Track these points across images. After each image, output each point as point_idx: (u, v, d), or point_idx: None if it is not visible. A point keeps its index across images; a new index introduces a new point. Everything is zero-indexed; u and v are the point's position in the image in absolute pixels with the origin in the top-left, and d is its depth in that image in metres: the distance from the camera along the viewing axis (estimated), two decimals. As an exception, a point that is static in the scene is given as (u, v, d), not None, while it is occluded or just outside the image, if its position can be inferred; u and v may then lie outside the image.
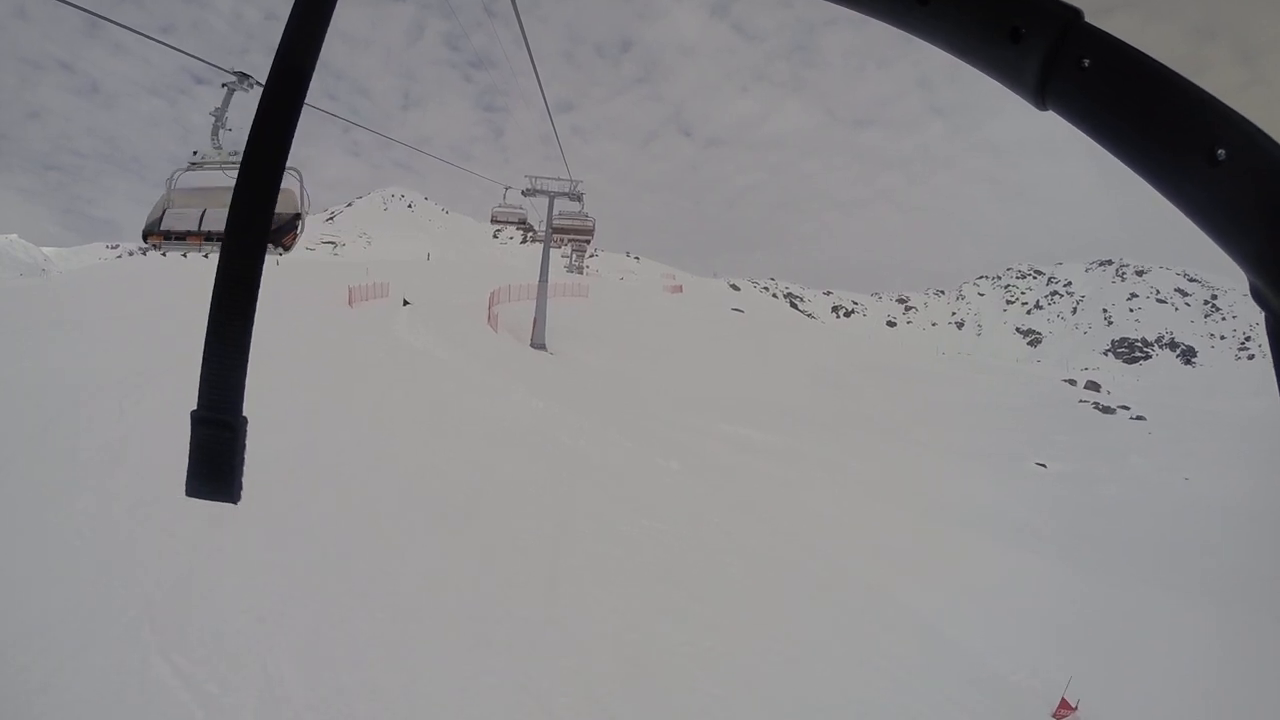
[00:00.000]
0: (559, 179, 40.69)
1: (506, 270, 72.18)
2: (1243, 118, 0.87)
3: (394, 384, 20.40)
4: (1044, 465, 30.89)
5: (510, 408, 19.95)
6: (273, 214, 1.31)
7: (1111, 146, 0.97)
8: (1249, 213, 0.86)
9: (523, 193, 40.47)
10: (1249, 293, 0.91)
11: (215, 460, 1.35)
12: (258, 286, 1.28)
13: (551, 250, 43.17)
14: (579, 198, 40.45)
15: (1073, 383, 70.73)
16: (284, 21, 1.27)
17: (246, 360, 1.32)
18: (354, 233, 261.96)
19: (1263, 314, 0.90)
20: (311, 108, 11.54)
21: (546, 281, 41.17)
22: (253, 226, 1.29)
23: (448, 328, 33.53)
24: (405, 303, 42.14)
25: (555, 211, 41.01)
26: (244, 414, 1.35)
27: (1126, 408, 49.37)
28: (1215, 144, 0.87)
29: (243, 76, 10.53)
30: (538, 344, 38.54)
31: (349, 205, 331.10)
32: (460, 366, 24.60)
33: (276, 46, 1.28)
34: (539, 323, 39.22)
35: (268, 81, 1.29)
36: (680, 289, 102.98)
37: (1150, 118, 0.93)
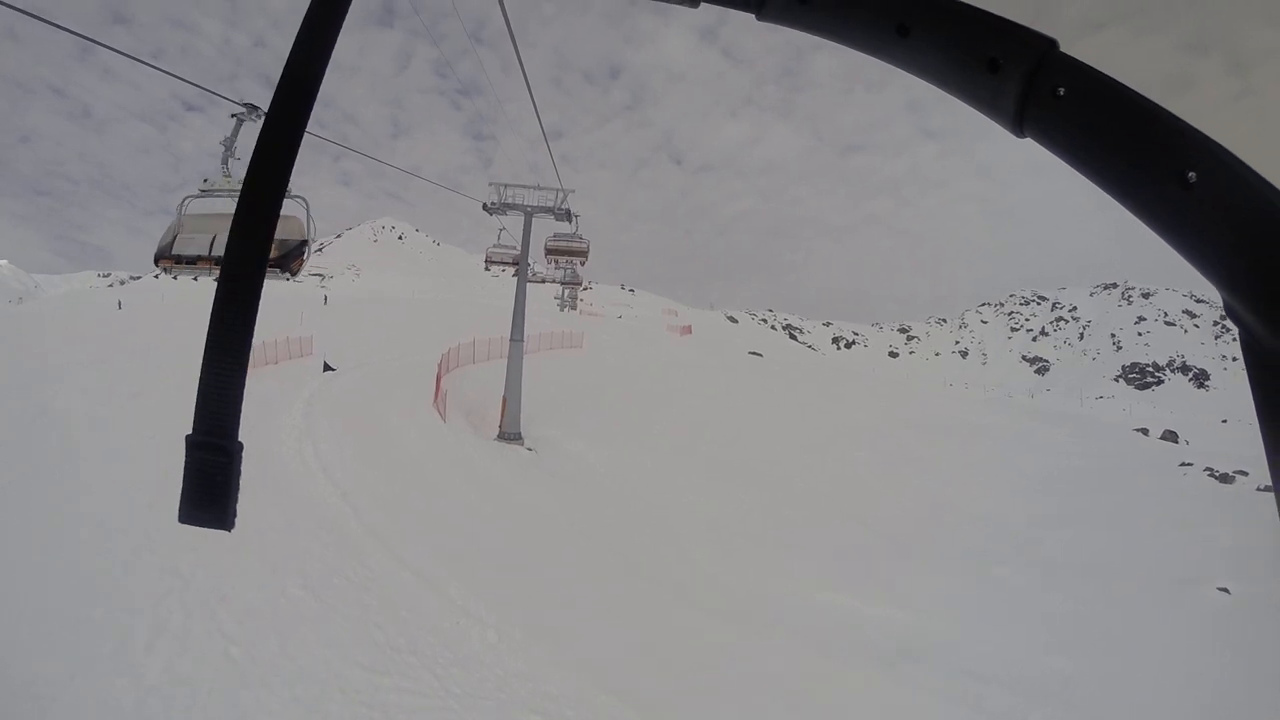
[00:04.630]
0: (539, 188, 31.65)
1: (489, 312, 62.25)
2: (1212, 141, 0.90)
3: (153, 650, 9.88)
4: (1226, 590, 21.05)
5: (429, 663, 10.19)
6: (272, 238, 1.29)
7: (1087, 171, 1.01)
8: (1220, 233, 0.89)
9: (486, 207, 31.10)
10: (1224, 310, 0.93)
11: (210, 486, 1.31)
12: (256, 311, 1.28)
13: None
14: (567, 214, 31.58)
15: (1145, 432, 61.65)
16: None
17: (244, 385, 1.30)
18: (343, 264, 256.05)
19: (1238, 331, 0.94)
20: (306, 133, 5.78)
21: (522, 340, 30.12)
22: (252, 250, 1.28)
23: (368, 418, 23.77)
24: (326, 367, 32.48)
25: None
26: (240, 440, 1.32)
27: (1245, 473, 40.17)
28: (1186, 167, 0.90)
29: (251, 108, 10.48)
30: (509, 434, 28.03)
31: (338, 236, 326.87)
32: (351, 527, 14.59)
33: (280, 73, 1.30)
34: (510, 402, 28.61)
35: (271, 105, 1.29)
36: (689, 330, 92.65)
37: (1123, 143, 0.96)
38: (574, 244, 32.61)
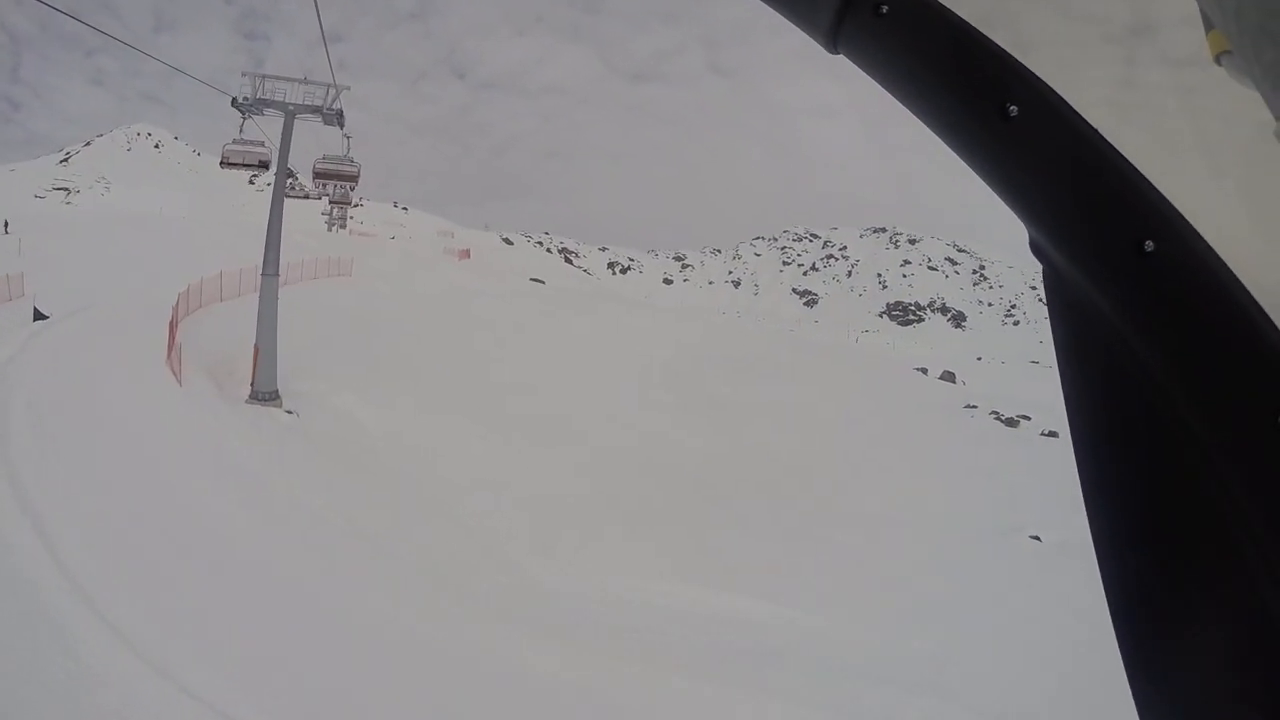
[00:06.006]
0: (306, 81, 26.46)
1: (252, 233, 55.47)
2: (1035, 75, 0.90)
3: None
4: (1039, 538, 22.75)
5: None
6: None
7: (903, 96, 0.98)
8: (1033, 168, 0.90)
9: (236, 104, 25.38)
10: (1029, 246, 0.95)
11: None
12: None
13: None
14: (337, 116, 26.81)
15: (924, 371, 64.06)
16: None
17: None
18: (91, 177, 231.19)
19: (1040, 269, 0.94)
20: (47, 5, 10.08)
21: (276, 275, 24.75)
22: None
23: (82, 388, 18.51)
24: (38, 315, 26.29)
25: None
26: None
27: (1028, 417, 42.24)
28: (1007, 100, 0.90)
29: None
30: (264, 393, 23.23)
31: (87, 145, 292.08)
32: (48, 583, 9.79)
33: None
34: (264, 352, 23.53)
35: None
36: (468, 254, 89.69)
37: (945, 70, 0.95)
38: (345, 167, 29.24)
